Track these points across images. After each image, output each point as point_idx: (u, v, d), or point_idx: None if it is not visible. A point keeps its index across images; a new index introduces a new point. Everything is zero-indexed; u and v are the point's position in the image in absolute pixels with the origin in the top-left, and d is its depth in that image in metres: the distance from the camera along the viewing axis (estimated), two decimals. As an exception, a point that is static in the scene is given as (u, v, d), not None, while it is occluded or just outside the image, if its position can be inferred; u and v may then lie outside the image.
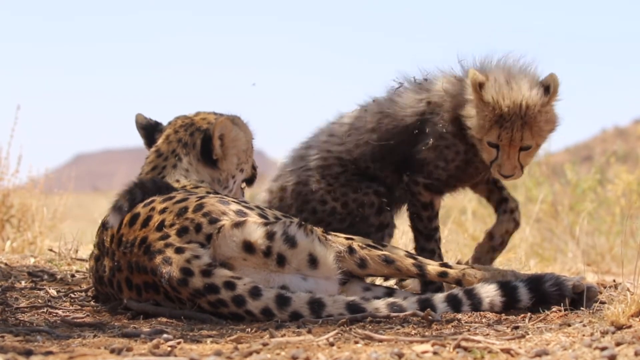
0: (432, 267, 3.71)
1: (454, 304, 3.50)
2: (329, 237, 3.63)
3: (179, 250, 3.44)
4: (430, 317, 3.34)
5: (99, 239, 3.76)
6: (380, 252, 3.70)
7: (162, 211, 3.57)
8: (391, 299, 3.46)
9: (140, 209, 3.62)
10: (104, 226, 3.75)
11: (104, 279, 3.67)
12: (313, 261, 3.51)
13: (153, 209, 3.59)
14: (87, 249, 5.81)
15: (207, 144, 4.17)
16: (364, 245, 3.69)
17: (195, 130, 4.24)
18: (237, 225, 3.47)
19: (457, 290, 3.55)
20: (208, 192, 3.92)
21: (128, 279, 3.56)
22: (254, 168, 4.45)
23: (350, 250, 3.65)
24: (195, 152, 4.17)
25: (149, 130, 4.37)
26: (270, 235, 3.46)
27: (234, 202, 3.63)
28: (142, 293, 3.54)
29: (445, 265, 3.74)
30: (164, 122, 4.39)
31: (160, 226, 3.52)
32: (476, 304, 3.52)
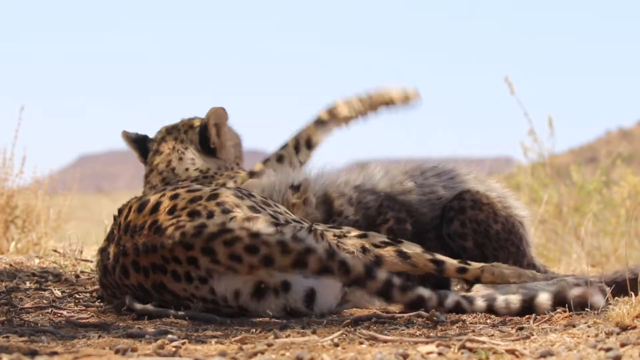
0: (451, 263, 3.72)
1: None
2: (341, 242, 3.62)
3: (192, 219, 3.46)
4: (435, 318, 3.34)
5: (110, 230, 3.76)
6: (395, 248, 3.69)
7: (174, 197, 3.57)
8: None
9: (151, 196, 3.63)
10: (114, 218, 3.75)
11: (108, 267, 3.64)
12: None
13: (164, 195, 3.60)
14: (91, 250, 5.82)
15: (204, 133, 4.42)
16: (378, 243, 3.69)
17: (189, 128, 4.53)
18: (249, 219, 3.46)
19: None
20: (224, 185, 4.00)
21: (135, 262, 3.53)
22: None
23: (364, 250, 3.65)
24: (195, 145, 4.35)
25: (141, 143, 4.55)
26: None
27: (249, 198, 3.63)
28: (149, 274, 3.50)
29: (464, 262, 3.76)
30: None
31: (172, 210, 3.52)
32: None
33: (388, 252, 3.68)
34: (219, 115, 4.44)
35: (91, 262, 5.18)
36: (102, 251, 3.73)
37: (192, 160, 4.34)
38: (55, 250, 5.68)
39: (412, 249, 3.73)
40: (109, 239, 3.72)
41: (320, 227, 3.64)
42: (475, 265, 3.74)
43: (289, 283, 3.45)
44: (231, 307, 3.46)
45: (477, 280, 3.71)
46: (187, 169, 4.25)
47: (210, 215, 3.47)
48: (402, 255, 3.68)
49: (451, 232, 4.11)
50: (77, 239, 5.57)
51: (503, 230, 4.10)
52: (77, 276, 4.67)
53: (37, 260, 5.24)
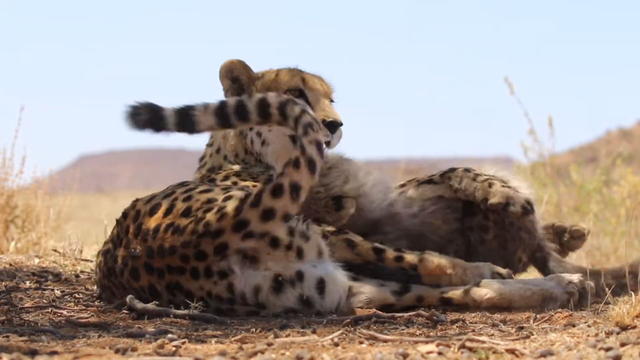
0: (389, 252, 3.76)
1: None
2: (315, 228, 3.71)
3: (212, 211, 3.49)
4: (435, 318, 3.34)
5: (113, 234, 3.76)
6: (343, 237, 3.77)
7: (187, 199, 3.59)
8: None
9: (160, 199, 3.64)
10: (118, 221, 3.75)
11: (115, 269, 3.65)
12: (320, 253, 3.59)
13: (176, 199, 3.61)
14: (91, 250, 5.82)
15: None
16: (331, 231, 3.77)
17: None
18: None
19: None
20: (226, 177, 4.01)
21: (147, 264, 3.54)
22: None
23: (324, 237, 3.71)
24: None
25: None
26: (291, 232, 3.53)
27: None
28: (164, 275, 3.52)
29: (401, 251, 3.79)
30: None
31: (187, 212, 3.54)
32: None
33: (338, 239, 3.76)
34: (233, 66, 4.07)
35: (91, 261, 5.18)
36: (105, 253, 3.74)
37: (212, 146, 4.20)
38: (55, 250, 5.69)
39: (356, 237, 3.79)
40: (114, 242, 3.72)
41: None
42: (413, 254, 3.77)
43: (303, 273, 3.53)
44: (248, 304, 3.50)
45: (414, 268, 3.73)
46: (211, 167, 4.19)
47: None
48: (350, 244, 3.76)
49: (473, 225, 4.09)
50: (77, 238, 5.57)
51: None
52: (77, 276, 4.67)
53: (37, 260, 5.24)
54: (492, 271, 3.76)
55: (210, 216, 3.46)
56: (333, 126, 4.01)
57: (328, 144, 4.01)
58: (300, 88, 4.10)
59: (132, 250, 3.58)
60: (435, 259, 3.73)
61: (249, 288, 3.48)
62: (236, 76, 4.10)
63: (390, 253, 3.74)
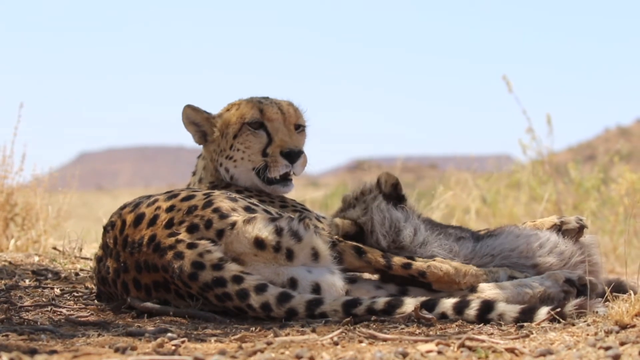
0: (398, 258, 3.71)
1: (459, 309, 3.43)
2: (319, 229, 3.66)
3: (191, 246, 3.46)
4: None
5: (103, 241, 3.76)
6: (353, 244, 3.73)
7: (170, 209, 3.57)
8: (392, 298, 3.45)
9: (145, 208, 3.62)
10: (105, 229, 3.75)
11: (108, 280, 3.67)
12: (315, 255, 3.54)
13: (159, 207, 3.60)
14: (91, 248, 5.82)
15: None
16: (341, 239, 3.73)
17: None
18: (249, 221, 3.49)
19: (470, 297, 3.54)
20: (214, 186, 4.04)
21: (136, 280, 3.56)
22: (264, 155, 4.13)
23: (332, 244, 3.67)
24: None
25: None
26: (278, 231, 3.48)
27: (241, 198, 3.66)
28: (151, 292, 3.55)
29: (410, 258, 3.74)
30: None
31: (169, 224, 3.53)
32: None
33: (348, 247, 3.71)
34: (186, 113, 4.21)
35: (90, 259, 5.18)
36: (99, 261, 3.75)
37: (201, 169, 4.34)
38: (54, 248, 5.68)
39: (366, 244, 3.75)
40: (105, 250, 3.72)
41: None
42: (420, 261, 3.71)
43: (296, 280, 3.50)
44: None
45: (422, 275, 3.68)
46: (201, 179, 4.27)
47: (209, 224, 3.50)
48: (359, 251, 3.71)
49: None
50: (77, 236, 5.57)
51: None
52: (77, 274, 4.67)
53: (36, 258, 5.24)
54: (507, 275, 3.74)
55: (187, 263, 3.45)
56: (291, 156, 4.07)
57: (289, 174, 4.10)
58: (259, 120, 4.15)
59: (122, 264, 3.60)
60: (444, 267, 3.67)
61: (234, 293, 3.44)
62: (192, 120, 4.23)
63: (399, 260, 3.70)
